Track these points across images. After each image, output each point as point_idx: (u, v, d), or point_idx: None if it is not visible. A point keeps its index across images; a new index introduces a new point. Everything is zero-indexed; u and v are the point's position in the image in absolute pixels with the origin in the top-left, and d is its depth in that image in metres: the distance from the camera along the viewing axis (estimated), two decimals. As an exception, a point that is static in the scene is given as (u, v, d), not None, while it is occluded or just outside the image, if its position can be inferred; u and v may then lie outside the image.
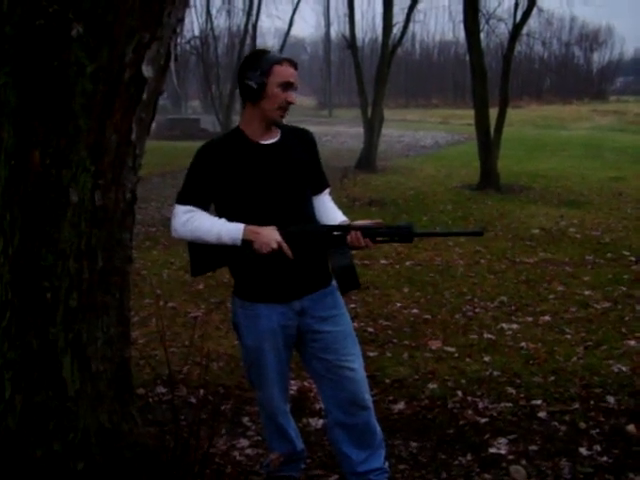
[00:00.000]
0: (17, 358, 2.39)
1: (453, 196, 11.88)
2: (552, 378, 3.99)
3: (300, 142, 2.62)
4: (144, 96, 2.34)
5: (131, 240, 2.57)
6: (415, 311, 5.42)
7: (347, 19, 18.78)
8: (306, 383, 3.86)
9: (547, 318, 5.18)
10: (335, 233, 2.48)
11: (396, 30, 16.91)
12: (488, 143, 12.79)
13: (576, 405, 3.63)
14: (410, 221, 2.60)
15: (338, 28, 49.06)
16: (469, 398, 3.76)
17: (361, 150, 16.88)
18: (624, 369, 4.10)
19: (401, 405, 3.68)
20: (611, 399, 3.69)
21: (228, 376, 4.09)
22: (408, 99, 52.19)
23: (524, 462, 3.07)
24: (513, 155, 18.10)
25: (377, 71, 16.71)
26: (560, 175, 14.61)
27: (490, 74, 13.58)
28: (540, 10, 17.32)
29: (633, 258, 7.03)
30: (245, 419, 3.55)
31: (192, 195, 2.48)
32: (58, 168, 2.24)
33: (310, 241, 2.47)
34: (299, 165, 2.56)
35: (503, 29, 18.50)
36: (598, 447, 3.18)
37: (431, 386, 3.91)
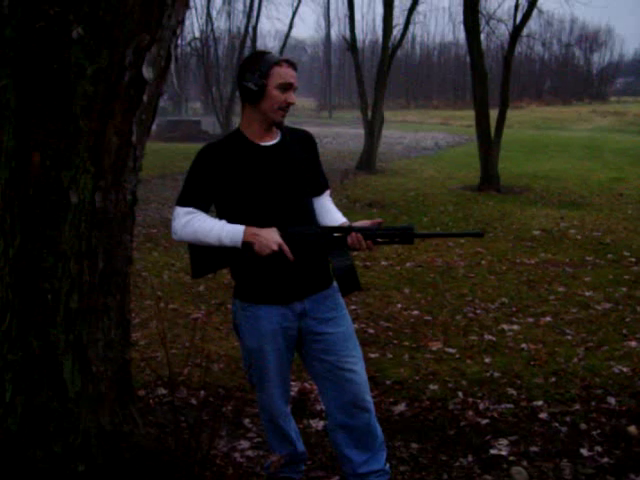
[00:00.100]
0: (18, 360, 2.39)
1: (453, 197, 11.88)
2: (553, 379, 3.99)
3: (300, 143, 2.62)
4: (144, 98, 2.34)
5: (131, 241, 2.57)
6: (416, 312, 5.42)
7: (347, 21, 18.81)
8: (307, 384, 3.86)
9: (548, 319, 5.18)
10: (335, 234, 2.48)
11: (396, 31, 17.00)
12: (488, 144, 12.80)
13: (577, 406, 3.63)
14: (411, 222, 2.59)
15: (338, 30, 49.26)
16: (470, 399, 3.76)
17: (361, 151, 16.91)
18: (625, 370, 4.10)
19: (402, 406, 3.68)
20: (612, 400, 3.69)
21: (229, 378, 4.08)
22: (408, 100, 52.30)
23: (525, 463, 3.07)
24: (513, 156, 18.12)
25: (377, 72, 16.74)
26: (560, 176, 14.62)
27: (490, 75, 13.60)
28: (540, 11, 17.29)
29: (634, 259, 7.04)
30: (246, 421, 3.55)
31: (192, 197, 2.48)
32: (58, 170, 2.24)
33: (310, 243, 2.47)
34: (299, 166, 2.56)
35: (503, 30, 18.55)
36: (599, 448, 3.18)
37: (432, 387, 3.91)
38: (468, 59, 15.09)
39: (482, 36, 14.03)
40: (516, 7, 13.45)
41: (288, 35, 27.95)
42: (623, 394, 3.77)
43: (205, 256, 2.51)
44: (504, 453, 3.16)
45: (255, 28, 26.69)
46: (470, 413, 3.57)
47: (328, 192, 2.73)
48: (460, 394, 3.82)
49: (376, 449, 2.68)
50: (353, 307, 5.38)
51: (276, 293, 2.52)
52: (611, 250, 7.52)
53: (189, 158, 2.60)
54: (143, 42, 2.24)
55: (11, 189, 2.28)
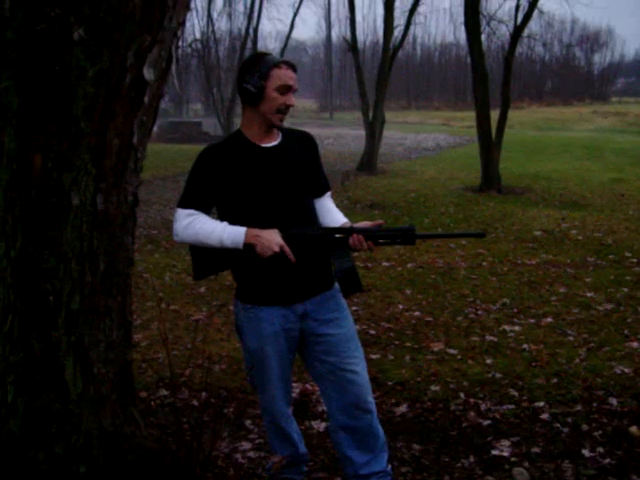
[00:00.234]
0: (19, 361, 2.39)
1: (454, 198, 11.88)
2: (554, 380, 3.99)
3: (301, 145, 2.62)
4: (145, 99, 2.34)
5: (133, 243, 2.58)
6: (417, 313, 5.41)
7: (348, 22, 18.82)
8: (308, 386, 3.86)
9: (549, 320, 5.18)
10: (337, 236, 2.48)
11: (397, 32, 16.96)
12: (489, 145, 12.80)
13: (578, 407, 3.63)
14: (412, 223, 2.59)
15: (339, 31, 49.30)
16: (471, 400, 3.75)
17: (362, 152, 16.91)
18: (626, 371, 4.10)
19: (403, 407, 3.68)
20: (614, 401, 3.68)
21: (230, 379, 4.08)
22: (409, 101, 52.31)
23: (527, 464, 3.06)
24: (514, 157, 18.12)
25: (378, 73, 16.74)
26: (561, 177, 14.61)
27: (491, 76, 13.59)
28: (541, 12, 17.25)
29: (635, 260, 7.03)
30: (247, 422, 3.55)
31: (194, 199, 2.48)
32: (60, 171, 2.25)
33: (312, 244, 2.47)
34: (300, 168, 2.56)
35: (504, 31, 18.46)
36: (601, 449, 3.18)
37: (433, 388, 3.91)
38: (469, 60, 15.09)
39: (483, 37, 14.04)
40: (517, 8, 13.46)
41: (289, 36, 27.95)
42: (625, 395, 3.76)
43: (207, 258, 2.51)
44: (506, 454, 3.16)
45: (256, 29, 26.70)
46: (472, 414, 3.57)
47: (329, 193, 2.72)
48: (462, 395, 3.82)
49: (378, 450, 2.68)
50: (354, 308, 5.38)
51: (278, 294, 2.52)
52: (612, 251, 7.52)
53: (190, 159, 2.61)
54: (144, 44, 2.25)
55: (13, 191, 2.28)
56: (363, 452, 2.66)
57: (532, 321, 5.16)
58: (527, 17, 13.11)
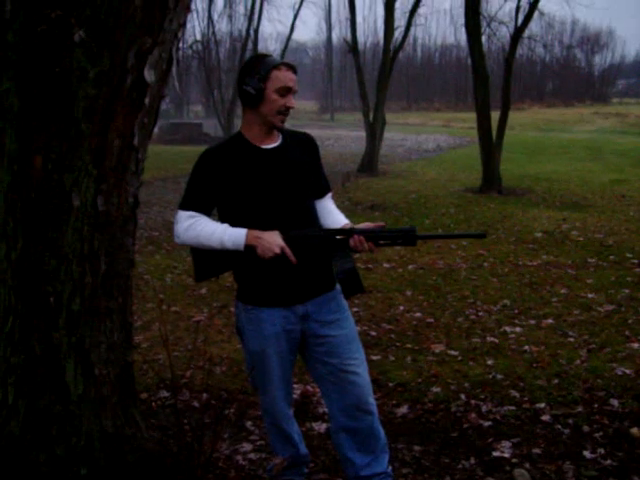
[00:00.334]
0: (20, 363, 2.39)
1: (455, 199, 11.88)
2: (555, 381, 3.99)
3: (301, 146, 2.62)
4: (146, 101, 2.34)
5: (133, 244, 2.58)
6: (418, 314, 5.41)
7: (348, 23, 18.84)
8: (309, 387, 3.86)
9: (550, 321, 5.17)
10: (338, 237, 2.48)
11: (398, 34, 16.98)
12: (490, 146, 12.80)
13: (580, 408, 3.63)
14: (412, 224, 2.59)
15: (340, 32, 49.31)
16: (472, 401, 3.75)
17: (363, 154, 16.91)
18: (628, 372, 4.09)
19: (404, 409, 3.68)
20: (615, 402, 3.68)
21: (231, 380, 4.08)
22: (410, 102, 52.32)
23: (528, 465, 3.06)
24: (515, 158, 18.12)
25: (379, 75, 16.75)
26: (562, 178, 14.61)
27: (492, 77, 13.59)
28: (541, 13, 17.30)
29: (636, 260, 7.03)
30: (248, 423, 3.55)
31: (194, 201, 2.48)
32: (60, 173, 2.25)
33: (313, 245, 2.47)
34: (300, 169, 2.56)
35: (504, 32, 18.48)
36: (602, 450, 3.17)
37: (434, 390, 3.91)
38: (469, 61, 15.10)
39: (483, 38, 14.05)
40: (517, 9, 13.48)
41: (289, 38, 27.99)
42: (626, 396, 3.76)
43: (208, 260, 2.51)
44: (507, 455, 3.15)
45: (256, 31, 26.73)
46: (473, 415, 3.57)
47: (330, 194, 2.72)
48: (462, 396, 3.82)
49: (379, 451, 2.68)
50: (355, 309, 5.38)
51: (279, 296, 2.52)
52: (613, 252, 7.52)
53: (191, 161, 2.61)
54: (145, 45, 2.25)
55: (13, 192, 2.29)
56: (364, 453, 2.66)
57: (533, 322, 5.16)
58: (527, 18, 13.12)
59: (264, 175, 2.47)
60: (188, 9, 2.43)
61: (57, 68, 2.16)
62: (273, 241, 2.39)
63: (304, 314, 2.55)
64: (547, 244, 8.06)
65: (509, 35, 14.18)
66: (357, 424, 2.62)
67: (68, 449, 2.43)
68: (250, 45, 26.38)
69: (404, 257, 7.38)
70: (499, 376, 4.08)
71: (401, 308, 5.58)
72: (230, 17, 33.46)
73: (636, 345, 4.58)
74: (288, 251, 2.40)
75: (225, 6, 32.59)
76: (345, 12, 39.70)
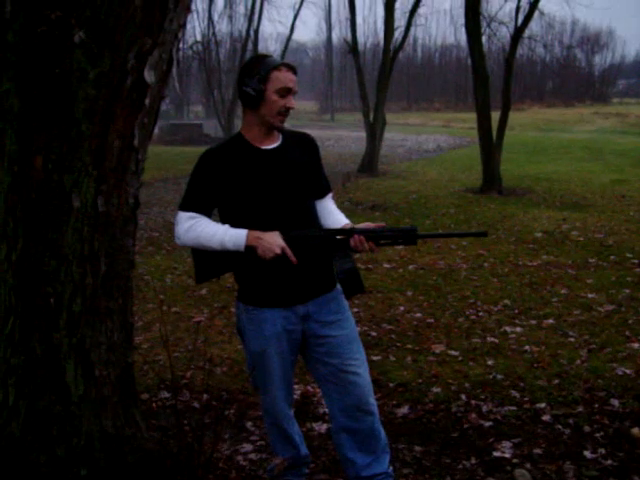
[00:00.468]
0: (21, 363, 2.39)
1: (456, 199, 11.88)
2: (556, 381, 3.99)
3: (302, 146, 2.62)
4: (146, 101, 2.34)
5: (134, 245, 2.58)
6: (418, 315, 5.41)
7: (349, 23, 18.84)
8: (309, 387, 3.86)
9: (551, 321, 5.17)
10: (338, 237, 2.48)
11: (398, 34, 16.98)
12: (490, 146, 12.80)
13: (580, 408, 3.62)
14: (413, 224, 2.59)
15: (340, 32, 49.34)
16: (473, 402, 3.75)
17: (363, 154, 16.92)
18: (628, 372, 4.09)
19: (405, 409, 3.68)
20: (615, 402, 3.68)
21: (231, 381, 4.08)
22: (410, 103, 52.33)
23: (528, 466, 3.06)
24: (515, 158, 18.12)
25: (379, 75, 16.75)
26: (562, 178, 14.61)
27: (492, 77, 13.60)
28: (541, 13, 17.28)
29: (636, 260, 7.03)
30: (249, 424, 3.55)
31: (195, 202, 2.48)
32: (60, 173, 2.25)
33: (313, 245, 2.47)
34: (301, 170, 2.56)
35: (505, 32, 18.49)
36: (603, 450, 3.17)
37: (435, 390, 3.91)
38: (469, 61, 15.10)
39: (483, 38, 14.04)
40: (517, 9, 13.49)
41: (289, 38, 27.99)
42: (626, 396, 3.76)
43: (209, 261, 2.51)
44: (507, 455, 3.15)
45: (256, 31, 26.75)
46: (473, 415, 3.57)
47: (331, 195, 2.72)
48: (463, 396, 3.82)
49: (379, 452, 2.68)
50: (355, 310, 5.38)
51: (279, 296, 2.52)
52: (614, 252, 7.51)
53: (191, 161, 2.61)
54: (145, 46, 2.25)
55: (14, 193, 2.28)
56: (365, 454, 2.66)
57: (533, 322, 5.16)
58: (528, 18, 13.13)
59: (264, 176, 2.47)
60: (188, 10, 2.43)
61: (57, 69, 2.16)
62: (274, 241, 2.39)
63: (305, 314, 2.55)
64: (547, 244, 8.06)
65: (509, 35, 14.19)
66: (358, 424, 2.62)
67: (68, 449, 2.43)
68: (250, 45, 26.40)
69: (404, 257, 7.38)
70: (499, 376, 4.08)
71: (401, 308, 5.58)
72: (230, 17, 33.48)
73: (636, 345, 4.57)
74: (289, 251, 2.40)
75: (225, 6, 32.61)
76: (345, 12, 39.71)
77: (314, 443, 3.29)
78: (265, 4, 26.77)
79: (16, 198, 2.28)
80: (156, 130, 2.52)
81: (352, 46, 17.42)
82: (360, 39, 25.19)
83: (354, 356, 2.60)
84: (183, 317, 5.42)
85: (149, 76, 2.30)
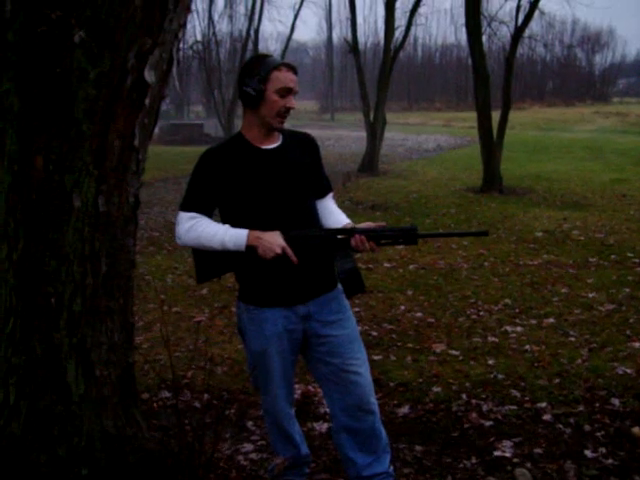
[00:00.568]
0: (21, 363, 2.39)
1: (456, 199, 11.88)
2: (556, 381, 3.99)
3: (302, 146, 2.62)
4: (146, 101, 2.34)
5: (134, 245, 2.58)
6: (419, 314, 5.41)
7: (349, 23, 18.84)
8: (310, 387, 3.86)
9: (551, 320, 5.17)
10: (339, 237, 2.48)
11: (398, 34, 16.98)
12: (491, 146, 12.80)
13: (581, 407, 3.62)
14: (413, 224, 2.59)
15: (340, 32, 49.32)
16: (473, 401, 3.75)
17: (364, 154, 16.91)
18: (629, 371, 4.09)
19: (405, 409, 3.68)
20: (616, 401, 3.68)
21: (232, 380, 4.08)
22: (410, 102, 52.31)
23: (529, 465, 3.06)
24: (516, 158, 18.11)
25: (379, 75, 16.75)
26: (563, 177, 14.61)
27: (492, 77, 13.59)
28: (542, 13, 17.30)
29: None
30: (249, 423, 3.55)
31: (195, 202, 2.48)
32: (61, 173, 2.25)
33: (314, 245, 2.47)
34: (301, 169, 2.56)
35: (505, 32, 18.51)
36: (603, 449, 3.17)
37: (435, 389, 3.91)
38: (470, 61, 15.09)
39: (484, 38, 14.05)
40: (518, 9, 13.48)
41: (290, 38, 27.99)
42: (627, 395, 3.76)
43: (210, 261, 2.51)
44: (508, 455, 3.15)
45: (257, 31, 26.73)
46: (474, 415, 3.57)
47: (331, 194, 2.72)
48: (464, 396, 3.82)
49: (380, 451, 2.68)
50: (356, 309, 5.38)
51: (280, 296, 2.52)
52: (614, 251, 7.51)
53: (191, 161, 2.61)
54: (145, 46, 2.25)
55: (14, 193, 2.28)
56: (365, 453, 2.66)
57: (534, 322, 5.16)
58: (528, 18, 13.13)
59: (265, 176, 2.47)
60: (188, 9, 2.43)
61: (57, 69, 2.16)
62: (274, 241, 2.39)
63: (306, 314, 2.55)
64: (548, 243, 8.06)
65: (510, 35, 14.20)
66: (359, 424, 2.62)
67: (69, 449, 2.43)
68: (250, 45, 26.39)
69: (405, 257, 7.38)
70: (500, 376, 4.08)
71: (402, 308, 5.58)
72: (230, 17, 33.49)
73: (637, 344, 4.57)
74: (289, 251, 2.40)
75: (225, 6, 32.62)
76: (345, 12, 39.67)
77: (315, 443, 3.29)
78: (265, 4, 26.81)
79: (17, 198, 2.28)
80: (156, 130, 2.52)
81: (352, 46, 17.42)
82: (360, 39, 25.22)
83: (355, 356, 2.60)
84: (184, 317, 5.42)
85: (149, 76, 2.30)
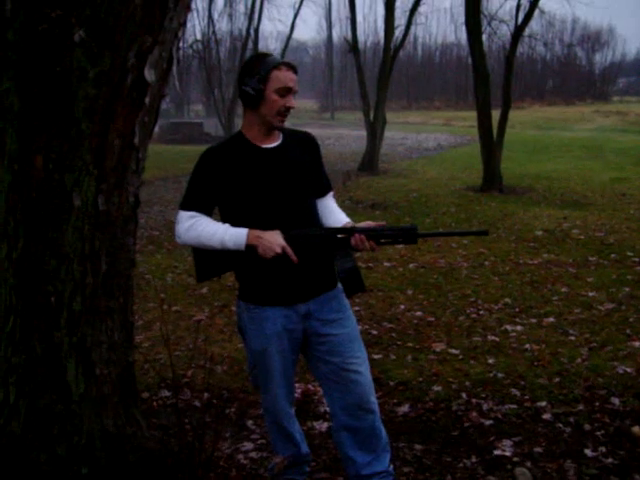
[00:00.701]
0: (21, 362, 2.39)
1: (456, 198, 11.88)
2: (556, 380, 3.99)
3: (302, 145, 2.62)
4: (146, 100, 2.34)
5: (134, 244, 2.58)
6: (419, 313, 5.41)
7: (349, 22, 18.84)
8: (310, 386, 3.86)
9: (551, 319, 5.17)
10: (339, 236, 2.48)
11: (398, 32, 16.99)
12: (491, 145, 12.80)
13: (581, 407, 3.63)
14: (413, 223, 2.59)
15: (340, 31, 49.33)
16: (473, 400, 3.75)
17: (364, 153, 16.91)
18: (629, 370, 4.09)
19: (405, 407, 3.68)
20: (616, 400, 3.68)
21: (232, 379, 4.09)
22: (410, 101, 52.30)
23: (529, 464, 3.06)
24: (516, 157, 18.11)
25: (379, 74, 16.75)
26: (563, 176, 14.61)
27: (492, 76, 13.58)
28: (542, 12, 17.29)
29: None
30: (249, 422, 3.55)
31: (195, 201, 2.48)
32: (61, 172, 2.25)
33: (314, 244, 2.47)
34: (301, 168, 2.56)
35: (505, 31, 18.53)
36: (603, 449, 3.17)
37: (435, 388, 3.91)
38: (470, 60, 15.10)
39: (484, 37, 14.05)
40: (518, 8, 13.48)
41: (290, 37, 27.99)
42: (627, 394, 3.76)
43: (210, 260, 2.51)
44: (508, 454, 3.15)
45: (257, 30, 26.73)
46: (474, 414, 3.57)
47: (332, 193, 2.72)
48: (464, 395, 3.82)
49: (380, 450, 2.68)
50: (356, 308, 5.37)
51: (280, 295, 2.52)
52: (614, 250, 7.51)
53: (191, 160, 2.61)
54: (145, 45, 2.25)
55: (14, 192, 2.28)
56: (365, 452, 2.66)
57: (534, 321, 5.16)
58: (528, 17, 13.12)
59: (265, 175, 2.47)
60: (188, 8, 2.43)
61: (57, 68, 2.16)
62: (274, 240, 2.39)
63: (306, 313, 2.55)
64: (548, 242, 8.06)
65: (510, 33, 14.20)
66: (359, 423, 2.62)
67: (69, 448, 2.44)
68: (250, 44, 26.38)
69: (405, 256, 7.38)
70: (500, 375, 4.08)
71: (402, 307, 5.58)
72: (230, 16, 33.49)
73: (637, 343, 4.57)
74: (289, 250, 2.40)
75: (225, 5, 32.63)
76: (345, 11, 39.70)
77: (315, 442, 3.29)
78: (265, 3, 26.81)
79: (17, 197, 2.28)
80: (156, 129, 2.52)
81: (352, 45, 17.42)
82: (360, 38, 25.22)
83: (355, 354, 2.60)
84: (184, 316, 5.42)
85: (149, 75, 2.30)
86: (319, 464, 3.11)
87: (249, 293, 2.57)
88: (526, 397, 3.77)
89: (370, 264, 6.98)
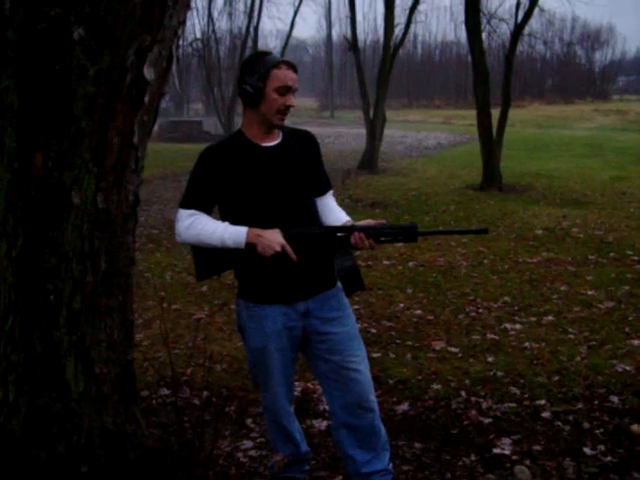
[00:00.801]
0: (21, 361, 2.39)
1: (456, 197, 11.88)
2: (556, 378, 3.99)
3: (302, 144, 2.62)
4: (146, 98, 2.34)
5: (134, 242, 2.58)
6: (418, 312, 5.41)
7: (348, 21, 18.83)
8: (310, 384, 3.86)
9: (550, 318, 5.18)
10: (339, 234, 2.48)
11: (398, 31, 16.98)
12: (490, 143, 12.80)
13: (580, 405, 3.63)
14: (413, 221, 2.59)
15: (340, 30, 49.29)
16: (473, 398, 3.75)
17: (363, 151, 16.90)
18: (628, 368, 4.10)
19: (405, 406, 3.68)
20: (615, 399, 3.68)
21: (231, 378, 4.09)
22: (410, 100, 52.28)
23: (528, 462, 3.06)
24: (515, 155, 18.11)
25: (379, 72, 16.73)
26: (562, 175, 14.61)
27: (492, 74, 13.58)
28: (541, 10, 17.30)
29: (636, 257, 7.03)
30: (249, 420, 3.55)
31: (195, 199, 2.48)
32: (60, 171, 2.25)
33: (314, 243, 2.47)
34: (301, 167, 2.56)
35: (505, 29, 18.54)
36: (602, 447, 3.18)
37: (435, 387, 3.91)
38: (470, 58, 15.09)
39: (484, 35, 14.06)
40: (517, 6, 13.49)
41: (289, 35, 27.96)
42: (626, 392, 3.76)
43: (209, 258, 2.51)
44: (507, 452, 3.16)
45: (256, 28, 26.70)
46: (473, 412, 3.57)
47: (331, 192, 2.72)
48: (463, 393, 3.82)
49: (379, 449, 2.69)
50: (356, 307, 5.38)
51: (280, 293, 2.52)
52: (614, 249, 7.51)
53: (191, 159, 2.61)
54: (144, 43, 2.25)
55: (14, 190, 2.28)
56: (365, 451, 2.66)
57: (533, 319, 5.16)
58: (528, 15, 13.12)
59: (264, 173, 2.47)
60: (188, 6, 2.43)
61: (57, 66, 2.15)
62: (274, 239, 2.39)
63: (305, 311, 2.55)
64: (547, 241, 8.06)
65: (509, 32, 14.21)
66: (358, 421, 2.62)
67: (69, 447, 2.44)
68: (250, 42, 26.36)
69: (404, 254, 7.38)
70: (499, 373, 4.09)
71: (401, 305, 5.58)
72: (230, 14, 33.49)
73: (636, 342, 4.58)
74: (289, 249, 2.40)
75: (225, 4, 32.63)
76: (345, 9, 39.70)
77: (314, 440, 3.29)
78: (265, 1, 26.77)
79: (16, 195, 2.28)
80: (156, 127, 2.52)
81: (352, 43, 17.40)
82: (360, 36, 25.16)
83: (355, 353, 2.60)
84: (183, 314, 5.42)
85: (149, 73, 2.29)
86: (319, 462, 3.11)
87: (249, 291, 2.57)
88: (525, 395, 3.77)
89: (369, 262, 6.98)
